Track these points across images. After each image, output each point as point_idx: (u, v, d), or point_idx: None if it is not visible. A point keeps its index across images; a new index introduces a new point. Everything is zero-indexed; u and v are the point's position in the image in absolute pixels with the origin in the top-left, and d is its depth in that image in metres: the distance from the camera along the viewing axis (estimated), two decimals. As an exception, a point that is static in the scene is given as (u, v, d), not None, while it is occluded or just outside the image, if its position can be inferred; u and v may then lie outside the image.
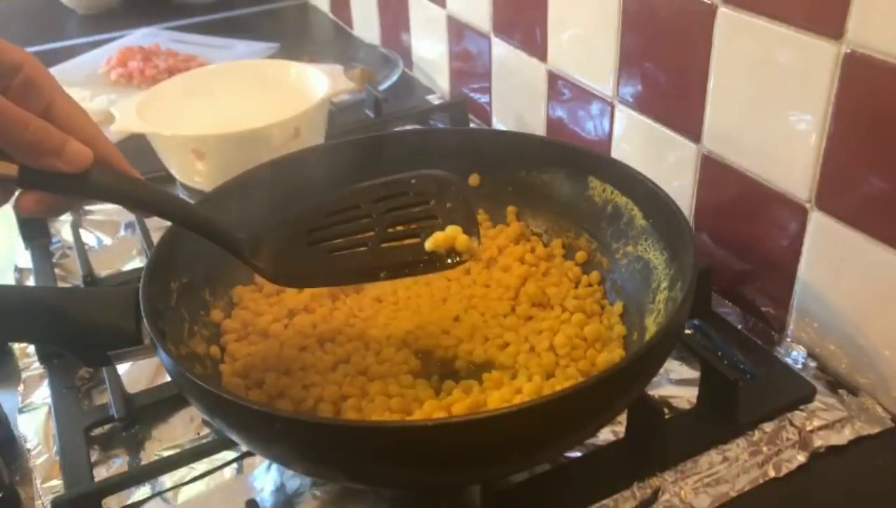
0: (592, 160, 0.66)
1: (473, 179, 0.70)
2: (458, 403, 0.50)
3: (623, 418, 0.55)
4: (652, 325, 0.56)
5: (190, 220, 0.51)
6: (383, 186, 0.54)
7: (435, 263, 0.52)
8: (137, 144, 0.86)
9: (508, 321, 0.60)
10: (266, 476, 0.54)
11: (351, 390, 0.53)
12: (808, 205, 0.59)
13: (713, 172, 0.67)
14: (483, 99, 1.01)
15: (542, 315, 0.60)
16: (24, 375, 0.64)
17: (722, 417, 0.55)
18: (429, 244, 0.52)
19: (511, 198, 0.70)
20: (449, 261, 0.52)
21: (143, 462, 0.56)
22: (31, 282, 0.75)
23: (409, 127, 0.96)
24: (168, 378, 0.58)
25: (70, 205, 0.49)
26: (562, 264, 0.65)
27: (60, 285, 0.74)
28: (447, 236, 0.51)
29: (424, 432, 0.42)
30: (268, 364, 0.56)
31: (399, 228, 0.53)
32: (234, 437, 0.48)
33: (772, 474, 0.53)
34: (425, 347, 0.58)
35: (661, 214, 0.58)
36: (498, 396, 0.51)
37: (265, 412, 0.43)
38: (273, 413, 0.43)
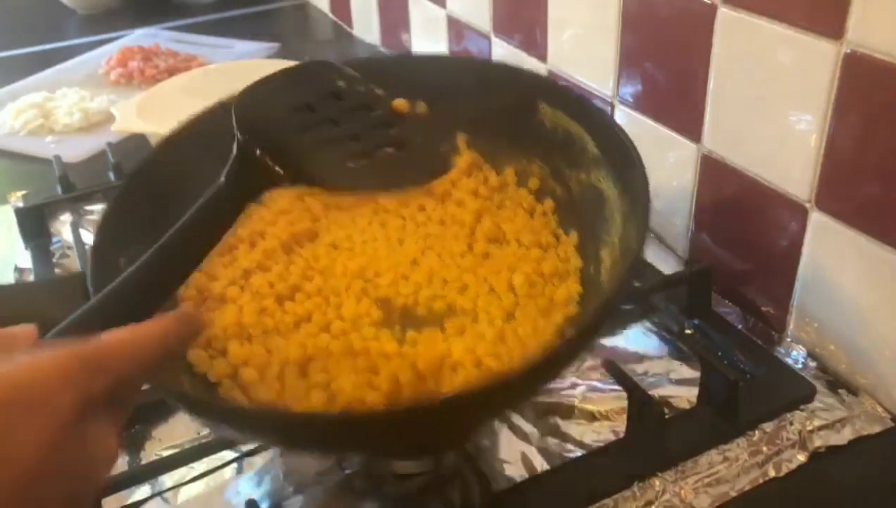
0: (542, 85, 0.64)
1: (421, 107, 0.64)
2: (422, 358, 0.50)
3: (623, 418, 0.55)
4: (607, 258, 0.55)
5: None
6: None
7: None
8: (137, 144, 0.86)
9: (466, 262, 0.59)
10: (266, 476, 0.54)
11: (315, 351, 0.52)
12: (808, 205, 0.59)
13: (713, 171, 0.67)
14: (483, 99, 1.00)
15: (498, 253, 0.59)
16: (23, 375, 0.64)
17: (722, 417, 0.55)
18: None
19: (461, 125, 0.65)
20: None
21: (143, 462, 0.56)
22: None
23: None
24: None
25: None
26: (515, 194, 0.63)
27: (60, 284, 0.74)
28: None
29: (379, 418, 0.42)
30: (229, 333, 0.54)
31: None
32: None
33: (772, 474, 0.53)
34: (385, 296, 0.57)
35: (613, 145, 0.56)
36: (462, 346, 0.51)
37: (234, 409, 0.44)
38: (241, 410, 0.44)
